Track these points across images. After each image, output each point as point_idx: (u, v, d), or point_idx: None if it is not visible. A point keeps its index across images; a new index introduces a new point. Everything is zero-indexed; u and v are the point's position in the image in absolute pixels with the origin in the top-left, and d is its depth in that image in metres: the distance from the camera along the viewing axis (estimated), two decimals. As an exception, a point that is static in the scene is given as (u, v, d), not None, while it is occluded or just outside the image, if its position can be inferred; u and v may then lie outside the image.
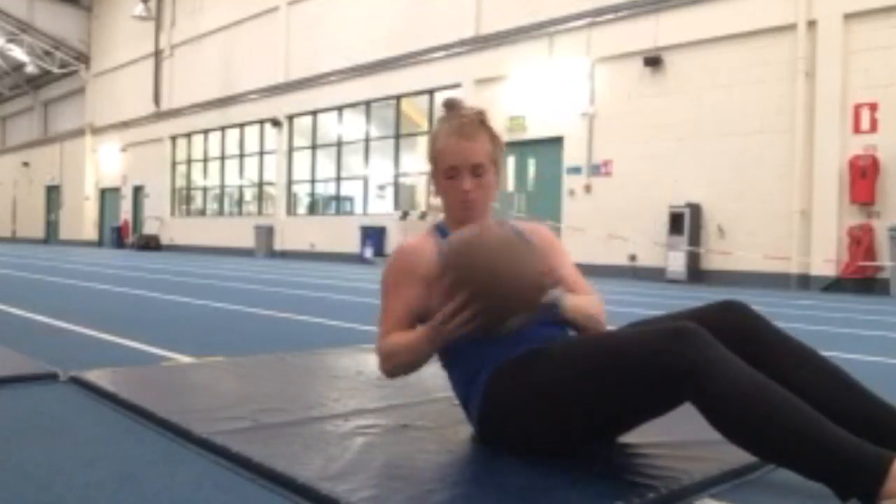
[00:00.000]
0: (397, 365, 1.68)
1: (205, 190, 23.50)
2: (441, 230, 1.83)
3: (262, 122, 20.41)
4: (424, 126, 16.48)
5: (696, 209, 11.46)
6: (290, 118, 19.67)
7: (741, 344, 1.52)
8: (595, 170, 12.91)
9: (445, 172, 1.76)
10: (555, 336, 1.68)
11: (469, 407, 1.70)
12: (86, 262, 12.94)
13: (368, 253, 16.34)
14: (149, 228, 24.66)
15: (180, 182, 24.45)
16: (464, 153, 1.74)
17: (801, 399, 1.36)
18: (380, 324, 1.75)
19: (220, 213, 22.79)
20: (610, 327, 1.76)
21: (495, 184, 1.81)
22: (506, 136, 13.81)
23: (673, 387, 1.38)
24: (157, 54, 24.58)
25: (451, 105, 1.83)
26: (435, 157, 1.78)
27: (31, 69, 29.08)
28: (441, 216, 1.90)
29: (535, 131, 13.76)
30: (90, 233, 28.33)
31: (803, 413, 1.30)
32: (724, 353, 1.37)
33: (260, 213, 20.88)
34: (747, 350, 1.51)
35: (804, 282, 10.49)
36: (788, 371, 1.51)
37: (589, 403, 1.49)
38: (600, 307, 1.78)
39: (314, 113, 19.05)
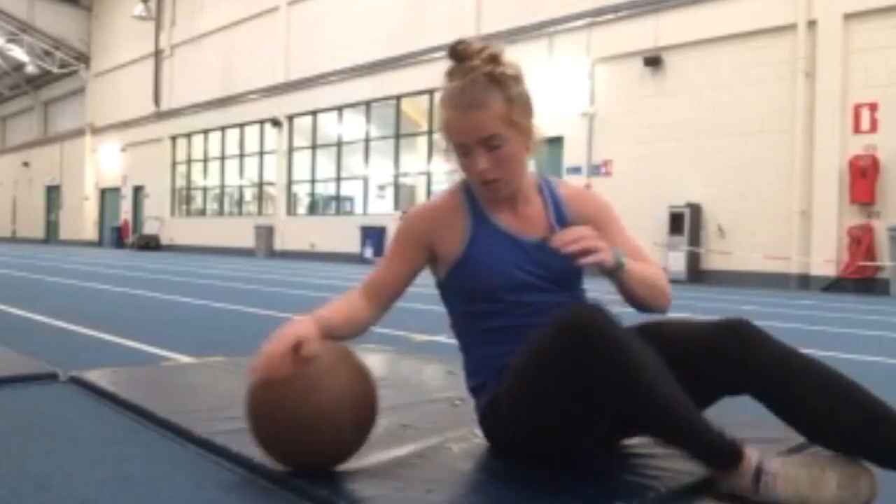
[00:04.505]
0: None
1: (205, 190, 23.49)
2: (468, 190, 1.62)
3: (262, 122, 20.41)
4: (424, 126, 16.47)
5: (696, 209, 11.47)
6: (290, 118, 19.67)
7: (744, 364, 1.45)
8: (595, 170, 12.91)
9: (457, 150, 1.51)
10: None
11: (479, 398, 1.66)
12: (86, 262, 12.94)
13: (368, 253, 16.34)
14: (149, 228, 24.65)
15: (180, 182, 24.45)
16: (471, 127, 1.45)
17: (802, 412, 1.40)
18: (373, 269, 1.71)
19: (220, 213, 22.79)
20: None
21: (523, 148, 1.51)
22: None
23: (583, 370, 1.35)
24: (157, 54, 24.58)
25: (457, 54, 1.48)
26: (443, 129, 1.53)
27: (31, 69, 29.08)
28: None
29: (535, 131, 13.75)
30: (90, 233, 28.33)
31: (672, 396, 1.33)
32: (620, 333, 1.35)
33: (260, 213, 20.88)
34: (750, 370, 1.44)
35: (804, 282, 10.49)
36: (790, 389, 1.44)
37: (549, 405, 1.45)
38: (662, 277, 1.64)
39: (314, 113, 19.06)
